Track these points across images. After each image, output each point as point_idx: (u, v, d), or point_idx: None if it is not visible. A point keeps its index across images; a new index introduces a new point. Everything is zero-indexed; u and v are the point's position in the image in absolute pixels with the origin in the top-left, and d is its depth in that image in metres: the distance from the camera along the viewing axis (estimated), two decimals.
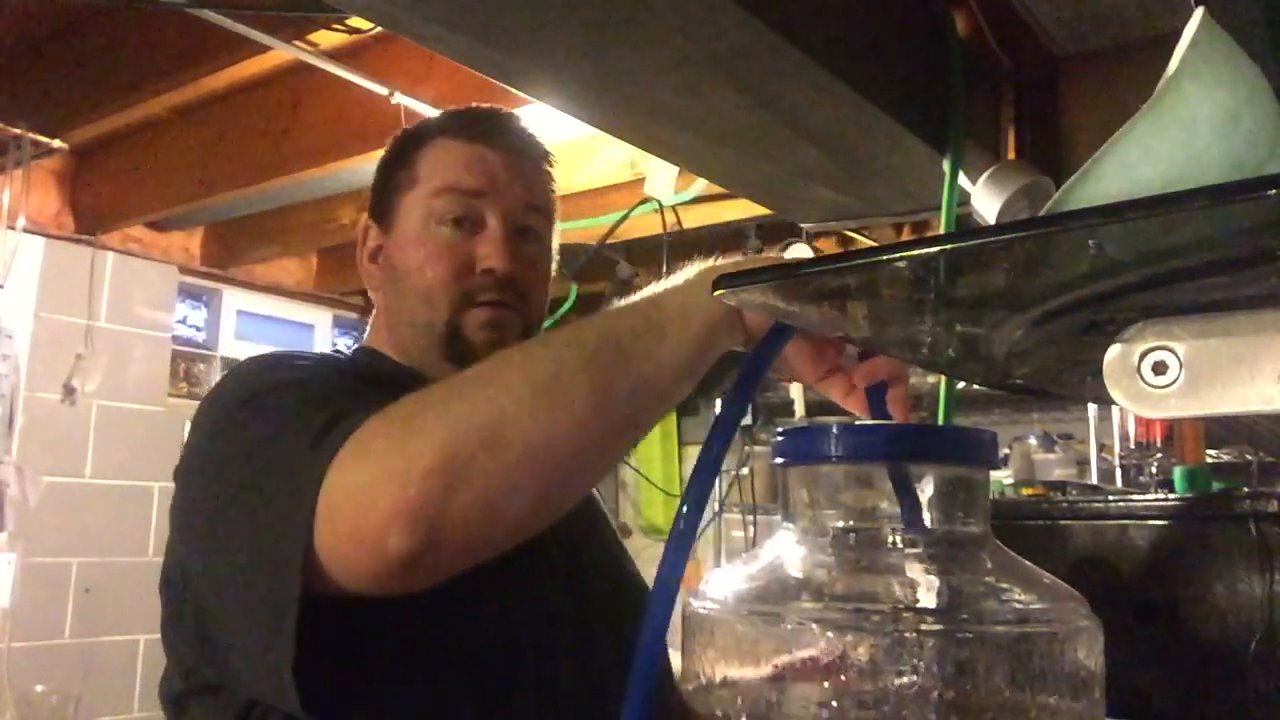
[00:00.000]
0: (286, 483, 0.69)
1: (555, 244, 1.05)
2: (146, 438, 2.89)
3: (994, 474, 0.82)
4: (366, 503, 0.64)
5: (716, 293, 0.46)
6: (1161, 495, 1.35)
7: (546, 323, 1.05)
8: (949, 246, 0.39)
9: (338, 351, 1.04)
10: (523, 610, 0.87)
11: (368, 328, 1.06)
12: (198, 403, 0.87)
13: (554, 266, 1.05)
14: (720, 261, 0.74)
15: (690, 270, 0.73)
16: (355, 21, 1.77)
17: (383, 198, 1.02)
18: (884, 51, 0.99)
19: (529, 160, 1.02)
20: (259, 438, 0.75)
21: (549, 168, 1.04)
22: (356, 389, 0.83)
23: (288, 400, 0.77)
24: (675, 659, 0.92)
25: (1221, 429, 1.61)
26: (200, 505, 0.78)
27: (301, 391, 0.78)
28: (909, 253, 0.38)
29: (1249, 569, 1.09)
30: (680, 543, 0.55)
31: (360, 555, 0.65)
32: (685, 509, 0.55)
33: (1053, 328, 0.47)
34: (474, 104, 1.04)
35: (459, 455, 0.64)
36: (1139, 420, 1.98)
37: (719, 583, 0.63)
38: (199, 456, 0.81)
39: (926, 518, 0.60)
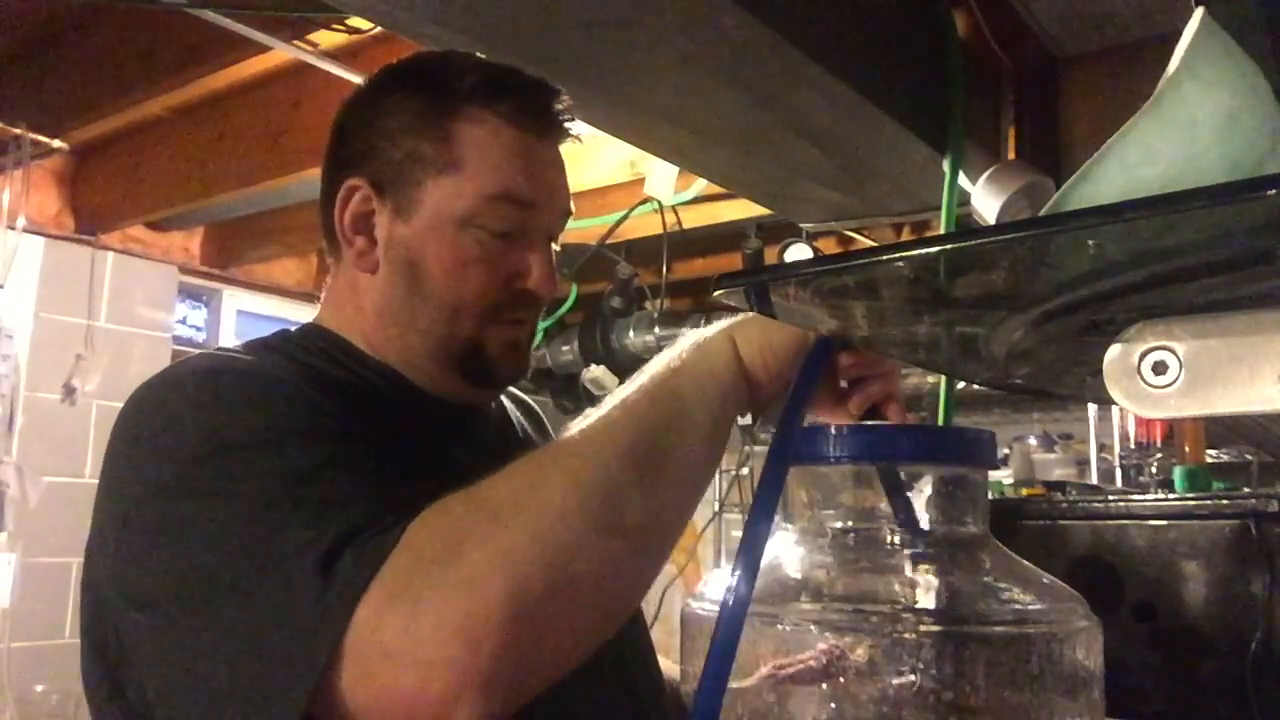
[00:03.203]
0: (288, 609, 0.57)
1: None
2: None
3: (994, 474, 0.81)
4: (424, 668, 0.54)
5: (716, 293, 0.46)
6: (1161, 495, 1.35)
7: (546, 323, 0.97)
8: (949, 246, 0.39)
9: (287, 335, 0.86)
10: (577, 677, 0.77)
11: (322, 300, 0.90)
12: None
13: None
14: (728, 321, 0.68)
15: (702, 334, 0.68)
16: (355, 21, 1.77)
17: (394, 165, 0.83)
18: (884, 51, 0.99)
19: (562, 155, 0.88)
20: (239, 521, 0.61)
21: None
22: (342, 430, 0.70)
23: (265, 469, 0.64)
24: (665, 663, 0.92)
25: (1221, 429, 1.61)
26: (148, 581, 0.64)
27: (282, 461, 0.64)
28: (909, 253, 0.38)
29: (1249, 569, 1.09)
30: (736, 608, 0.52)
31: None
32: (739, 571, 0.53)
33: (1053, 328, 0.47)
34: (504, 63, 0.86)
35: (528, 607, 0.55)
36: (1139, 420, 1.98)
37: (719, 583, 0.63)
38: (144, 513, 0.66)
39: (923, 518, 0.60)
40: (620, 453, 0.61)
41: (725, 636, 0.51)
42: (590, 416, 0.64)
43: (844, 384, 0.72)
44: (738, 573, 0.52)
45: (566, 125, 0.87)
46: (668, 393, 0.64)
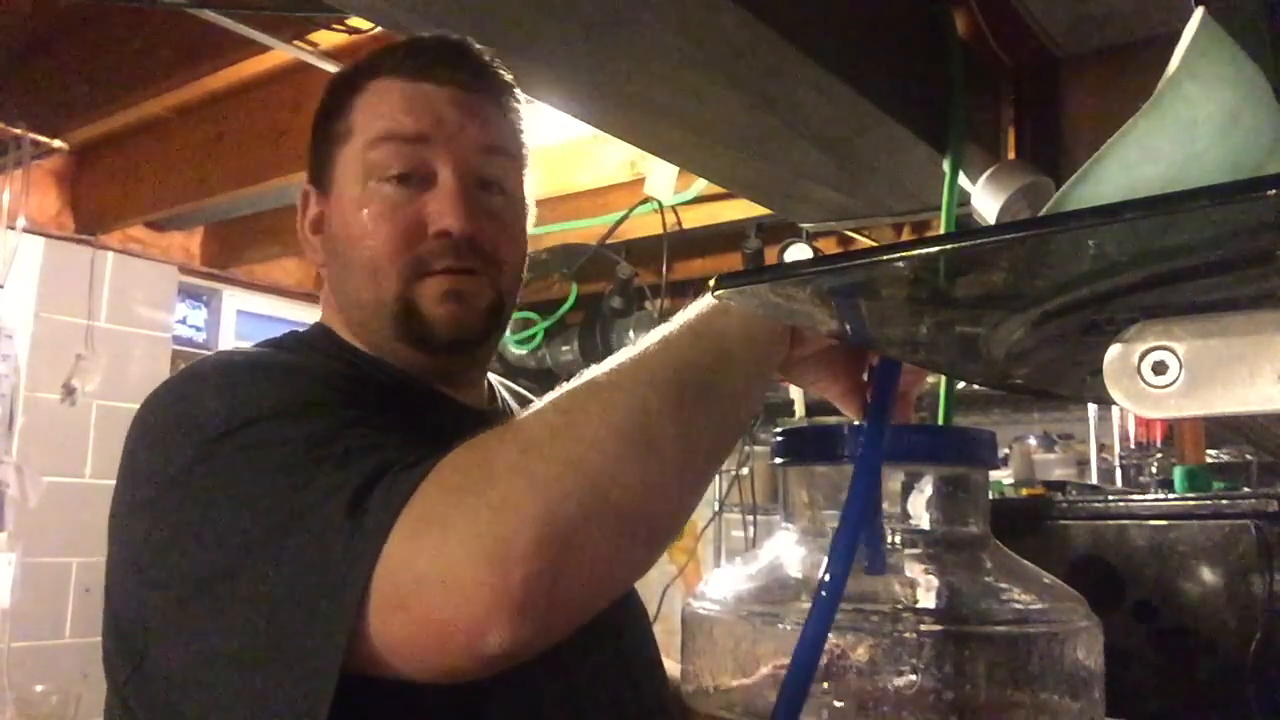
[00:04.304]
0: (319, 553, 0.57)
1: (529, 194, 0.91)
2: None
3: (994, 474, 0.81)
4: (455, 592, 0.53)
5: (716, 293, 0.46)
6: (1161, 495, 1.35)
7: (546, 322, 0.98)
8: (949, 246, 0.39)
9: (298, 335, 0.88)
10: (583, 676, 0.78)
11: (321, 302, 0.93)
12: None
13: (530, 221, 0.91)
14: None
15: None
16: (355, 21, 1.77)
17: (319, 156, 0.87)
18: (884, 51, 0.99)
19: (486, 95, 0.85)
20: (265, 485, 0.62)
21: (515, 104, 0.88)
22: (350, 406, 0.70)
23: (288, 436, 0.64)
24: (669, 664, 0.92)
25: (1221, 429, 1.61)
26: (177, 558, 0.63)
27: (302, 425, 0.65)
28: (909, 253, 0.38)
29: (1249, 569, 1.09)
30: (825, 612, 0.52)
31: (444, 651, 0.55)
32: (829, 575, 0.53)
33: (1052, 328, 0.46)
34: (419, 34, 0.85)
35: (561, 530, 0.54)
36: (1139, 420, 1.98)
37: (719, 583, 0.63)
38: (168, 495, 0.66)
39: (923, 517, 0.60)
40: (659, 384, 0.60)
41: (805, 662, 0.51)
42: (630, 350, 0.63)
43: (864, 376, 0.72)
44: (823, 593, 0.52)
45: (477, 69, 0.84)
46: (713, 331, 0.63)
